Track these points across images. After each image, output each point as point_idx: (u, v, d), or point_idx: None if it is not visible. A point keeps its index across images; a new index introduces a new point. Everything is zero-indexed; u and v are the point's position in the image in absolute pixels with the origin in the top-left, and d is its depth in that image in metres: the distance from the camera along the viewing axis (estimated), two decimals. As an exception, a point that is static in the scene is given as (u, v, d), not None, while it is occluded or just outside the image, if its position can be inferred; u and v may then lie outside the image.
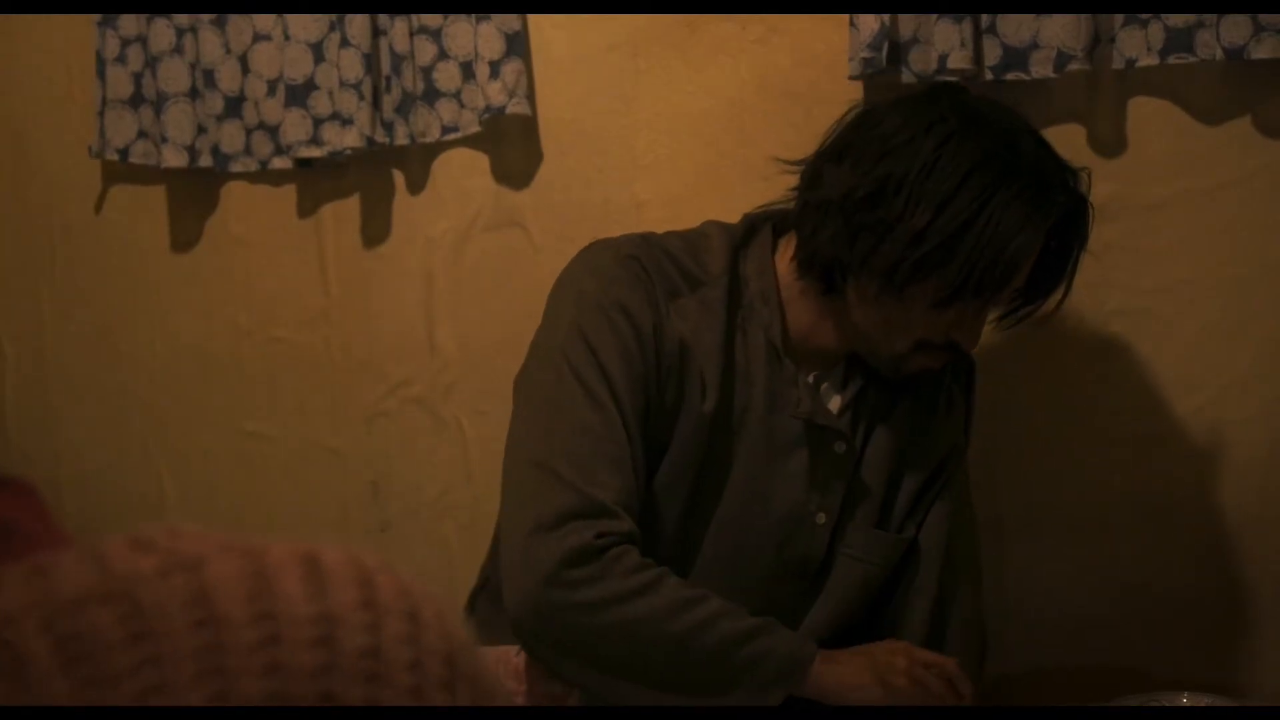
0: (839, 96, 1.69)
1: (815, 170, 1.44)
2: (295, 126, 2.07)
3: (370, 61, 2.01)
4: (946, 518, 1.55)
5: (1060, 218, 1.41)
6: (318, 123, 2.06)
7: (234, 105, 2.13)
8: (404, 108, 2.01)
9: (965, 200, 1.34)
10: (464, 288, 2.05)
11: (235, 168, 2.15)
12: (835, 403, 1.50)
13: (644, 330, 1.40)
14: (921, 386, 1.53)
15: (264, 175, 2.17)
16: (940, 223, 1.33)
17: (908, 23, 1.74)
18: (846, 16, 1.77)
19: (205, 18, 2.11)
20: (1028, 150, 1.39)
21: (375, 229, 2.13)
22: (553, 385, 1.41)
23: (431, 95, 2.01)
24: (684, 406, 1.43)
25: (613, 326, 1.39)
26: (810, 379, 1.48)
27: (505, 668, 1.39)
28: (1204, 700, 1.44)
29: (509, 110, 1.95)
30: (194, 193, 2.23)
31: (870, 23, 1.74)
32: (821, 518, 1.49)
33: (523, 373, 1.49)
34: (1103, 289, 1.77)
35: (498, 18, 1.95)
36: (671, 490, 1.44)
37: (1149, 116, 1.74)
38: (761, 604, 1.45)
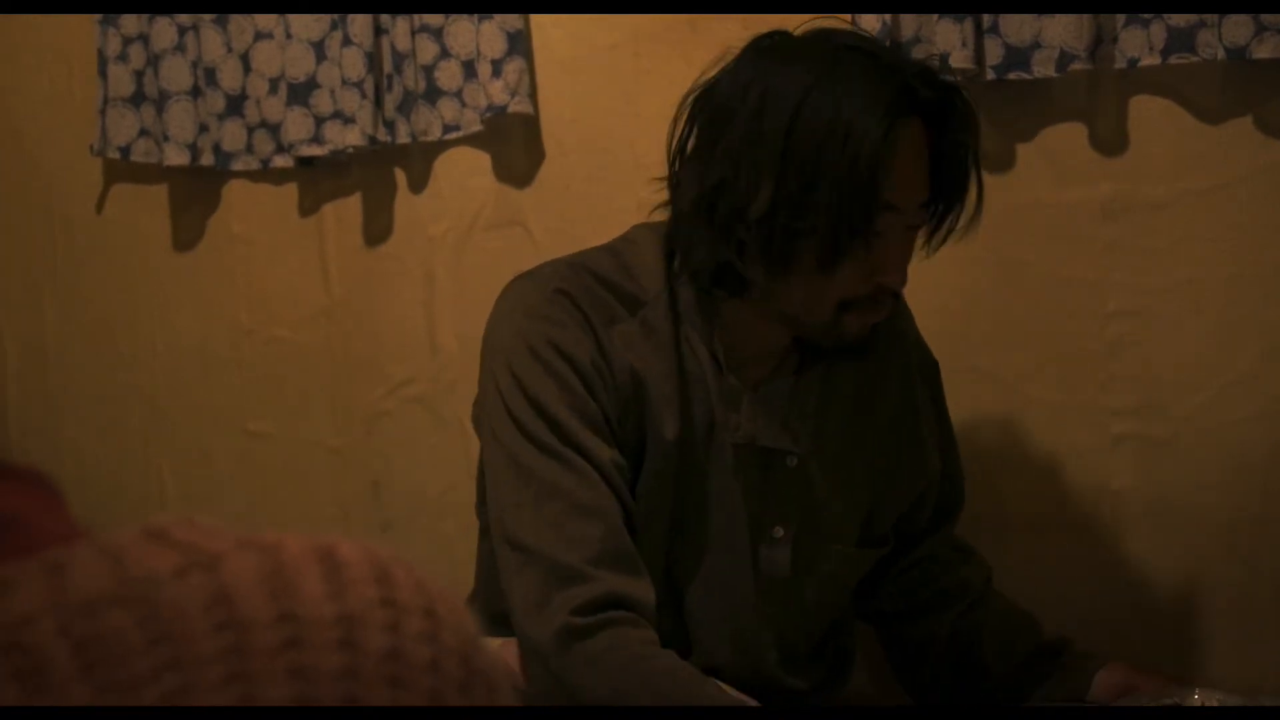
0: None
1: (674, 176, 1.36)
2: (297, 125, 2.07)
3: (372, 60, 2.01)
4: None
5: (928, 109, 1.30)
6: (319, 121, 2.06)
7: (235, 104, 2.12)
8: (406, 106, 2.01)
9: (799, 152, 1.25)
10: (465, 287, 2.05)
11: (237, 166, 2.15)
12: (789, 411, 1.41)
13: (583, 367, 1.32)
14: (887, 389, 1.48)
15: (265, 174, 2.17)
16: (785, 187, 1.25)
17: (909, 22, 1.74)
18: (848, 16, 1.76)
19: (207, 16, 2.11)
20: (855, 62, 1.28)
21: (377, 228, 2.13)
22: (510, 447, 1.33)
23: (433, 94, 2.01)
24: (649, 437, 1.36)
25: (549, 370, 1.31)
26: (756, 393, 1.40)
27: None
28: (1215, 697, 1.43)
29: (511, 109, 1.95)
30: (195, 191, 2.23)
31: (871, 22, 1.74)
32: (779, 531, 1.43)
33: (481, 420, 1.41)
34: (1103, 289, 1.77)
35: (500, 16, 1.95)
36: (650, 522, 1.38)
37: (1151, 116, 1.74)
38: (753, 626, 1.44)
